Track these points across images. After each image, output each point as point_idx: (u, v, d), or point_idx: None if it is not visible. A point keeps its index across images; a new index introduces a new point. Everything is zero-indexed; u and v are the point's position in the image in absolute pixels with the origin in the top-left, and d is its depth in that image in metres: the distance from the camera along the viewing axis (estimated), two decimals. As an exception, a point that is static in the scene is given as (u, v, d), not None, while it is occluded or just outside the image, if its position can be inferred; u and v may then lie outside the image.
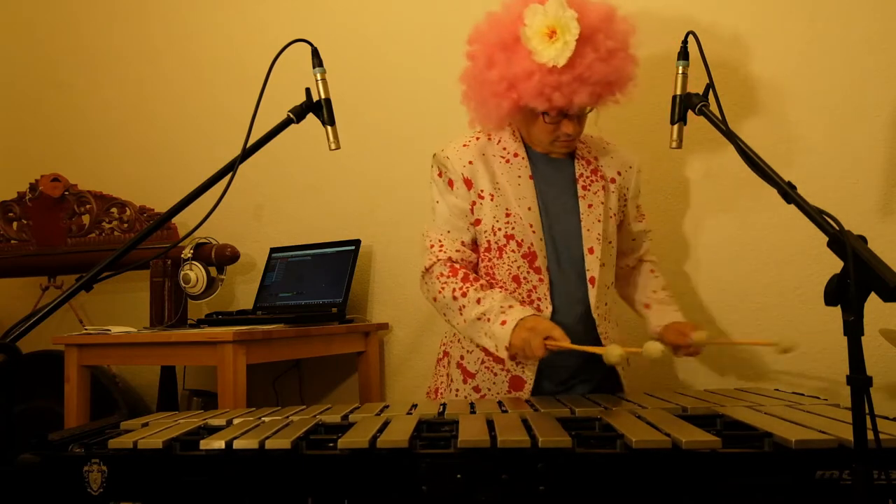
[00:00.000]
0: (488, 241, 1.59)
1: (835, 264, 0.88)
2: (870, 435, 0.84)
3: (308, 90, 1.43)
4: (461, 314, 1.51)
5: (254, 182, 2.63)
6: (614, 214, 1.64)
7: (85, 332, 2.33)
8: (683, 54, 1.37)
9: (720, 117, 1.22)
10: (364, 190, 2.54)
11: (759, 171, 1.13)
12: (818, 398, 1.37)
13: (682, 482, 0.98)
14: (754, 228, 2.05)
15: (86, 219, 2.80)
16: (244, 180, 1.54)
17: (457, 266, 1.57)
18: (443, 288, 1.55)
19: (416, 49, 2.47)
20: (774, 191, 1.09)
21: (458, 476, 1.00)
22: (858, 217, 1.92)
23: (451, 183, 1.60)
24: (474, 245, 1.63)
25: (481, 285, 1.53)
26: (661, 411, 1.21)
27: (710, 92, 1.29)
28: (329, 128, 1.43)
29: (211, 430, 1.21)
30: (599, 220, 1.59)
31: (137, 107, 3.00)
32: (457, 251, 1.59)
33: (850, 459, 0.86)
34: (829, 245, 0.93)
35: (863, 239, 0.91)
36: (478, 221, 1.59)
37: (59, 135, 3.14)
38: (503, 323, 1.44)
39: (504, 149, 1.61)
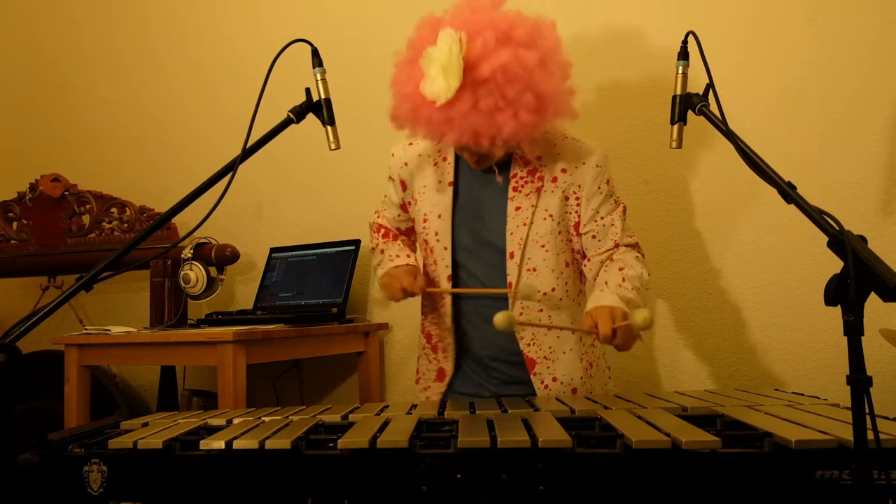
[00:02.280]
0: (418, 244, 1.71)
1: (835, 264, 0.88)
2: (870, 435, 0.84)
3: (308, 90, 1.43)
4: (374, 259, 1.77)
5: (254, 182, 2.63)
6: (552, 215, 1.55)
7: (85, 332, 2.33)
8: (683, 54, 1.37)
9: (720, 117, 1.21)
10: (364, 190, 2.54)
11: (759, 171, 1.13)
12: (818, 398, 1.37)
13: (682, 482, 0.98)
14: (754, 228, 2.05)
15: (86, 219, 2.80)
16: (244, 180, 1.54)
17: (382, 226, 1.80)
18: (371, 240, 1.83)
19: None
20: (774, 191, 1.09)
21: (458, 476, 1.00)
22: (858, 217, 1.92)
23: (390, 178, 1.71)
24: (401, 229, 1.78)
25: (393, 239, 1.71)
26: (661, 411, 1.21)
27: (710, 92, 1.29)
28: (329, 128, 1.43)
29: (211, 430, 1.21)
30: (525, 224, 1.54)
31: (137, 107, 3.00)
32: (388, 222, 1.80)
33: (850, 459, 0.86)
34: (829, 245, 0.93)
35: (863, 239, 0.91)
36: (413, 220, 1.70)
37: (59, 135, 3.14)
38: (379, 269, 1.69)
39: (438, 151, 1.63)
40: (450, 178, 1.61)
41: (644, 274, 1.54)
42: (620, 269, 1.52)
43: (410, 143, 1.67)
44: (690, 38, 1.32)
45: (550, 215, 1.55)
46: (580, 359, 1.60)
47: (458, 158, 1.62)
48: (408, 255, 1.70)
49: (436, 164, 1.63)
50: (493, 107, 1.35)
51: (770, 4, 2.05)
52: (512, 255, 1.55)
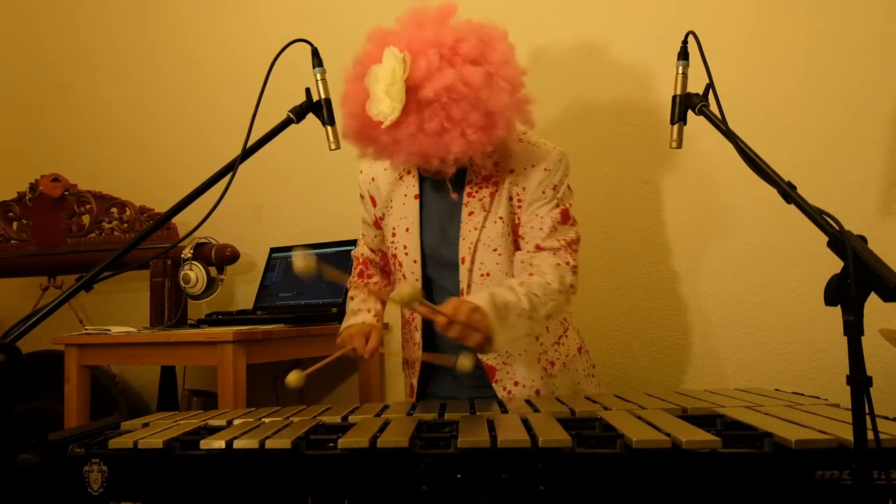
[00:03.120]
0: (389, 258, 1.67)
1: (835, 264, 0.88)
2: (870, 435, 0.84)
3: (308, 90, 1.43)
4: (347, 302, 1.73)
5: (254, 182, 2.63)
6: (502, 218, 1.51)
7: (85, 332, 2.33)
8: (683, 54, 1.37)
9: (720, 117, 1.21)
10: (364, 190, 2.54)
11: (759, 171, 1.13)
12: (818, 398, 1.37)
13: (682, 482, 0.98)
14: (754, 228, 2.05)
15: (86, 219, 2.80)
16: (244, 180, 1.53)
17: (360, 260, 1.78)
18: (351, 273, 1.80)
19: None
20: (774, 191, 1.09)
21: (458, 476, 1.00)
22: (858, 217, 1.92)
23: (361, 196, 1.69)
24: (380, 251, 1.74)
25: (365, 283, 1.69)
26: (661, 411, 1.21)
27: (710, 92, 1.29)
28: (329, 128, 1.43)
29: (211, 430, 1.21)
30: (476, 228, 1.51)
31: (137, 107, 3.00)
32: (364, 252, 1.78)
33: (850, 459, 0.86)
34: (829, 245, 0.93)
35: (863, 239, 0.91)
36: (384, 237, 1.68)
37: (59, 135, 3.14)
38: (344, 321, 1.66)
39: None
40: (415, 191, 1.58)
41: (551, 283, 1.44)
42: (530, 274, 1.47)
43: (375, 160, 1.60)
44: (690, 38, 1.32)
45: (500, 218, 1.51)
46: (537, 360, 1.57)
47: (420, 171, 1.58)
48: (368, 310, 1.64)
49: (401, 177, 1.60)
50: (440, 128, 1.32)
51: (770, 4, 2.05)
52: (463, 261, 1.52)
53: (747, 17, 2.06)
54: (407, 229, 1.57)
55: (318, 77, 1.43)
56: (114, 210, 2.77)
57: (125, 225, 2.74)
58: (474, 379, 1.57)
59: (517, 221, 1.52)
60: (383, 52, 1.33)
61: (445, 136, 1.33)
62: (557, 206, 1.50)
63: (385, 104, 1.31)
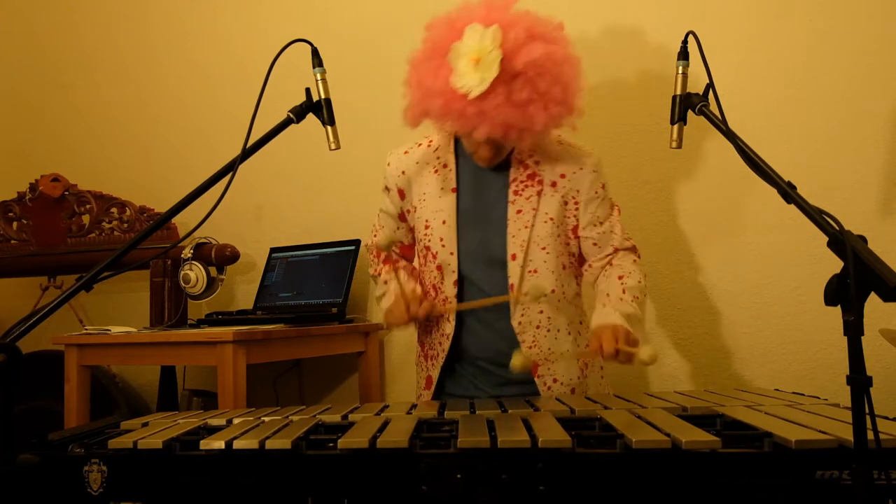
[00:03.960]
0: (417, 251, 1.70)
1: (835, 264, 0.88)
2: (870, 435, 0.84)
3: (308, 90, 1.43)
4: (377, 290, 1.74)
5: (254, 182, 2.63)
6: (553, 218, 1.58)
7: (85, 332, 2.33)
8: (683, 54, 1.37)
9: (720, 117, 1.21)
10: (364, 190, 2.54)
11: (759, 171, 1.13)
12: (818, 398, 1.37)
13: (682, 482, 0.98)
14: (754, 228, 2.05)
15: (86, 219, 2.80)
16: (244, 180, 1.53)
17: (382, 250, 1.73)
18: (370, 266, 1.81)
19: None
20: (774, 191, 1.09)
21: (458, 476, 1.00)
22: (858, 217, 1.92)
23: (386, 188, 1.71)
24: (401, 243, 1.75)
25: (395, 267, 1.62)
26: (661, 411, 1.21)
27: (710, 92, 1.29)
28: (329, 128, 1.43)
29: (211, 430, 1.21)
30: (528, 227, 1.56)
31: (137, 107, 3.00)
32: (386, 239, 1.72)
33: (850, 459, 0.86)
34: (829, 245, 0.93)
35: (863, 239, 0.91)
36: (412, 230, 1.71)
37: (59, 135, 3.14)
38: (383, 300, 1.67)
39: (437, 158, 1.64)
40: (452, 184, 1.62)
41: (641, 281, 1.59)
42: (620, 277, 1.57)
43: (406, 152, 1.68)
44: (690, 38, 1.33)
45: (551, 218, 1.58)
46: (577, 360, 1.63)
47: (458, 165, 1.63)
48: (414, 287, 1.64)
49: (436, 170, 1.63)
50: (526, 99, 1.38)
51: (770, 4, 2.05)
52: (514, 257, 1.56)
53: (747, 17, 2.06)
54: (444, 222, 1.60)
55: (318, 77, 1.43)
56: (114, 210, 2.77)
57: (125, 225, 2.74)
58: (503, 369, 1.58)
59: (575, 223, 1.61)
60: (457, 32, 1.38)
61: (530, 107, 1.39)
62: (612, 205, 1.65)
63: (472, 76, 1.35)
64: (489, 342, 1.61)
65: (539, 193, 1.58)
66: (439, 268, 1.61)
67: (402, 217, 1.71)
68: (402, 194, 1.68)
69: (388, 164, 1.69)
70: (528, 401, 1.39)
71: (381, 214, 1.76)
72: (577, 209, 1.61)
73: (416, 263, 1.75)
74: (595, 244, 1.62)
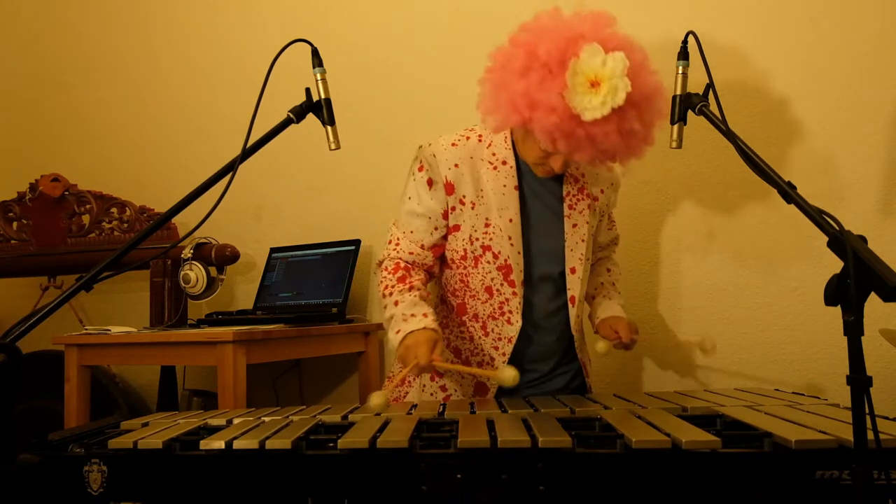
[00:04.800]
0: (465, 250, 1.57)
1: (835, 264, 0.88)
2: (870, 435, 0.84)
3: (308, 90, 1.43)
4: (385, 311, 1.54)
5: (254, 182, 2.63)
6: (594, 234, 1.67)
7: (85, 332, 2.33)
8: (683, 54, 1.37)
9: (720, 117, 1.21)
10: (364, 190, 2.54)
11: (759, 171, 1.13)
12: (818, 398, 1.37)
13: (682, 482, 0.98)
14: (754, 229, 2.05)
15: (86, 219, 2.80)
16: (244, 180, 1.53)
17: (401, 264, 1.58)
18: (381, 283, 1.58)
19: (416, 49, 2.47)
20: (774, 191, 1.09)
21: (458, 476, 1.00)
22: (858, 217, 1.92)
23: (430, 182, 1.56)
24: (436, 247, 1.60)
25: (409, 287, 1.52)
26: (661, 411, 1.21)
27: (710, 92, 1.29)
28: (329, 128, 1.43)
29: (211, 430, 1.21)
30: (583, 241, 1.59)
31: (137, 107, 3.00)
32: (410, 253, 1.59)
33: (850, 459, 0.86)
34: (829, 245, 0.93)
35: (863, 239, 0.91)
36: (456, 227, 1.57)
37: (59, 135, 3.14)
38: (397, 332, 1.46)
39: (494, 154, 1.55)
40: (515, 182, 1.55)
41: (620, 273, 1.86)
42: (608, 269, 1.83)
43: (454, 144, 1.56)
44: (690, 38, 1.33)
45: (594, 231, 1.68)
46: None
47: (518, 164, 1.57)
48: (424, 315, 1.46)
49: (494, 167, 1.55)
50: (633, 130, 1.34)
51: (770, 4, 2.05)
52: (573, 271, 1.59)
53: (747, 17, 2.06)
54: (510, 220, 1.53)
55: (318, 77, 1.43)
56: (114, 210, 2.77)
57: (125, 225, 2.74)
58: (560, 375, 1.68)
59: (594, 232, 1.69)
60: (569, 45, 1.30)
61: (634, 137, 1.36)
62: (613, 218, 1.83)
63: (593, 99, 1.28)
64: (547, 345, 1.63)
65: (589, 207, 1.61)
66: (503, 268, 1.54)
67: (445, 215, 1.57)
68: (450, 188, 1.55)
69: (434, 156, 1.55)
70: (528, 401, 1.39)
71: (410, 217, 1.59)
72: (601, 220, 1.72)
73: (449, 264, 1.63)
74: (602, 248, 1.82)
